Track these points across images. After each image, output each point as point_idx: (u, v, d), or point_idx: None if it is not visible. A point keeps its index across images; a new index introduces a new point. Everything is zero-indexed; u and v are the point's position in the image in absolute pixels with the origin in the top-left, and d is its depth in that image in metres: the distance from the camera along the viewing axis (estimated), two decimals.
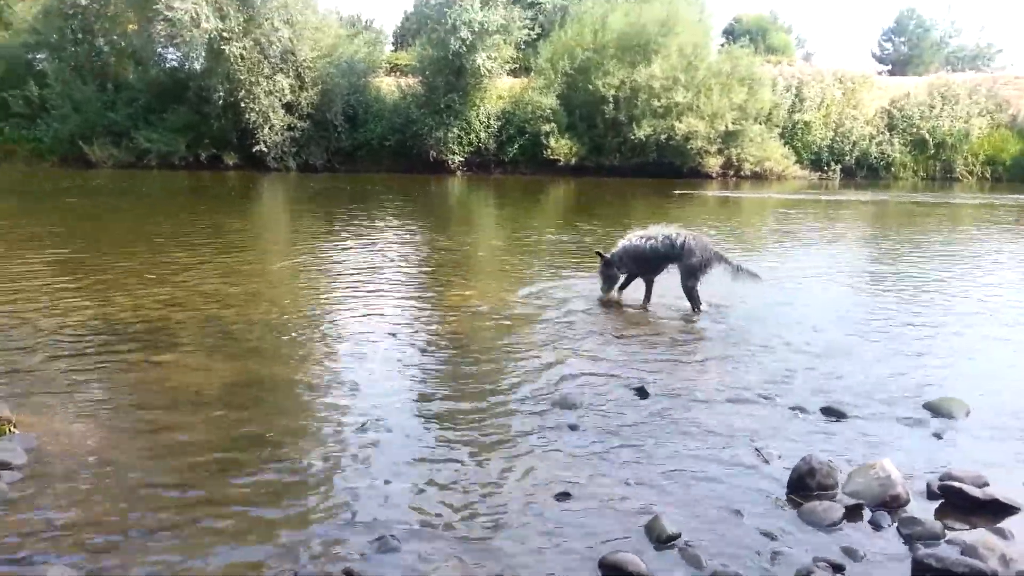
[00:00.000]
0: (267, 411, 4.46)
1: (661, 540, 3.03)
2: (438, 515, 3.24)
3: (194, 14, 26.09)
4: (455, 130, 30.41)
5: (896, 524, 3.21)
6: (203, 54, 28.86)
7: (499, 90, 32.04)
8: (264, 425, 4.20)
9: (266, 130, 28.90)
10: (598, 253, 7.67)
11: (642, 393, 4.81)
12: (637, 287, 7.58)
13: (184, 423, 4.18)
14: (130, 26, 31.11)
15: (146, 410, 4.36)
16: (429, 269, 9.50)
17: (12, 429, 3.93)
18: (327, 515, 3.23)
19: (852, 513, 3.29)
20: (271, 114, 28.76)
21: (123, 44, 31.91)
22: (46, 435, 3.93)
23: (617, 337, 6.25)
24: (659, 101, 29.74)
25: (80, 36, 31.50)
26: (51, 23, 31.26)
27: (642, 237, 7.35)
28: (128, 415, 4.29)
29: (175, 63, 31.54)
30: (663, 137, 29.86)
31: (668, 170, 30.24)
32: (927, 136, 33.34)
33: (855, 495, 3.43)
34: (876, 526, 3.21)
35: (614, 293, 7.62)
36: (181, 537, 3.01)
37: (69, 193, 19.17)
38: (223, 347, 5.67)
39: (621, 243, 7.47)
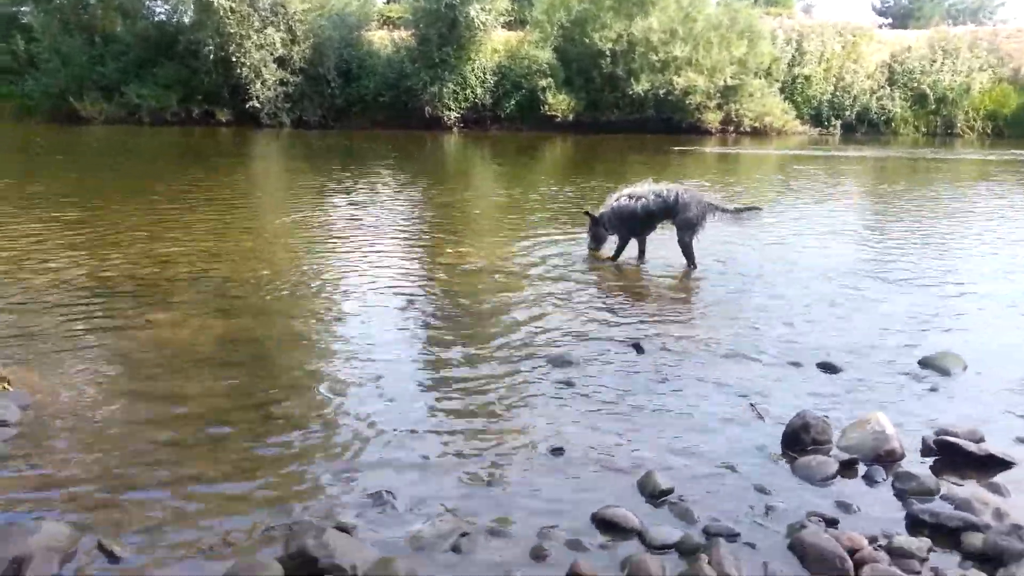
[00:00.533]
0: (262, 369, 4.44)
1: (654, 495, 3.04)
2: (430, 470, 3.24)
3: None
4: (450, 85, 30.01)
5: (891, 479, 3.22)
6: (191, 6, 28.33)
7: (494, 43, 31.53)
8: (259, 382, 4.19)
9: (258, 85, 28.52)
10: (587, 213, 7.57)
11: (638, 349, 4.80)
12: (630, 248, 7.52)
13: (179, 381, 4.16)
14: None
15: (141, 368, 4.34)
16: (425, 226, 9.43)
17: (6, 386, 3.91)
18: (319, 471, 3.23)
19: (846, 468, 3.30)
20: (263, 69, 28.36)
21: None
22: (40, 392, 3.92)
23: (613, 294, 6.23)
24: (657, 55, 29.34)
25: None
26: None
27: (631, 197, 7.17)
28: (123, 372, 4.27)
29: (163, 16, 30.97)
30: (661, 92, 29.55)
31: (667, 126, 29.99)
32: (928, 91, 33.03)
33: (849, 450, 3.43)
34: (870, 481, 3.22)
35: (605, 253, 7.51)
36: (175, 493, 3.00)
37: (59, 150, 18.93)
38: (218, 305, 5.64)
39: (609, 203, 7.31)
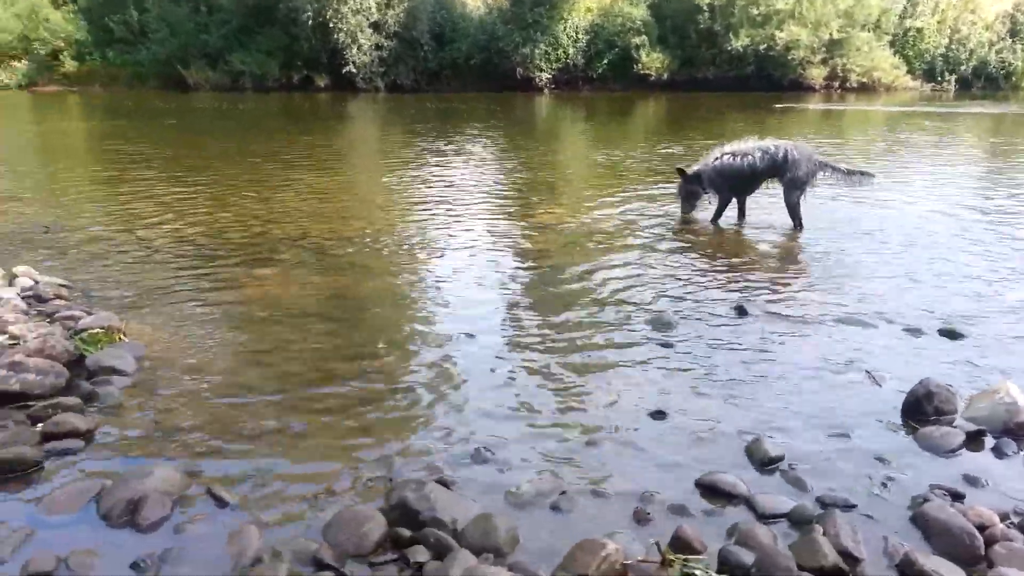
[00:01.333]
0: (363, 325, 4.50)
1: (763, 462, 2.90)
2: (530, 429, 3.20)
3: None
4: (542, 46, 29.70)
5: (1023, 453, 2.98)
6: None
7: (587, 2, 30.91)
8: (360, 338, 4.24)
9: (354, 50, 28.97)
10: (679, 169, 7.18)
11: (740, 311, 4.61)
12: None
13: (284, 335, 4.26)
14: None
15: (247, 322, 4.47)
16: (518, 188, 9.36)
17: (122, 337, 4.09)
18: (421, 426, 3.23)
19: (973, 440, 3.07)
20: (359, 34, 28.75)
21: None
22: (153, 344, 4.08)
23: (712, 256, 6.01)
24: (758, 8, 28.17)
25: None
26: None
27: (735, 154, 6.79)
28: (231, 326, 4.40)
29: None
30: (762, 47, 28.41)
31: (767, 83, 28.85)
32: None
33: (976, 421, 3.20)
34: (1000, 454, 2.99)
35: (696, 214, 7.17)
36: (279, 442, 3.07)
37: (169, 115, 19.74)
38: (319, 262, 5.75)
39: (710, 161, 6.89)
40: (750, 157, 6.74)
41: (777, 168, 6.67)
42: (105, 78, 32.35)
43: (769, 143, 6.79)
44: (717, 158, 6.88)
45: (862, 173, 6.81)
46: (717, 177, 6.88)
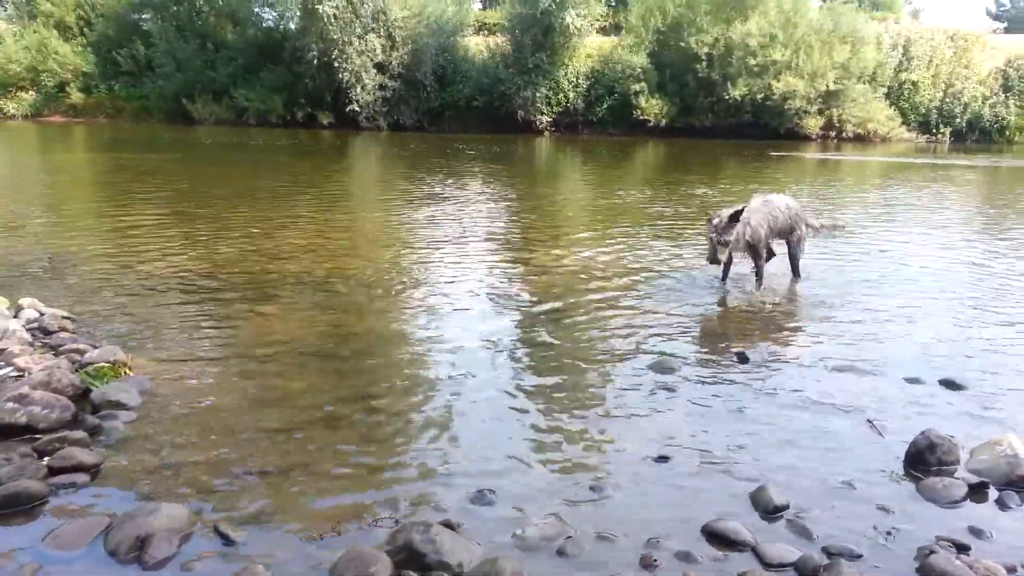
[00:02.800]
0: (365, 364, 4.51)
1: (768, 510, 2.91)
2: (535, 473, 3.21)
3: None
4: (543, 90, 30.16)
5: None
6: (297, 13, 29.40)
7: (588, 49, 31.52)
8: (362, 377, 4.26)
9: (358, 89, 29.35)
10: (734, 215, 5.82)
11: (742, 358, 4.64)
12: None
13: (287, 372, 4.27)
14: None
15: (251, 358, 4.48)
16: (518, 227, 9.44)
17: (127, 371, 4.10)
18: (426, 467, 3.24)
19: (976, 492, 3.09)
20: (363, 73, 29.18)
21: (221, 3, 32.81)
22: (158, 378, 4.09)
23: (712, 301, 6.06)
24: (755, 59, 28.68)
25: None
26: None
27: (768, 204, 6.23)
28: (234, 362, 4.41)
29: (271, 23, 32.31)
30: (759, 97, 28.86)
31: (764, 131, 29.26)
32: None
33: (979, 473, 3.22)
34: (1003, 506, 3.00)
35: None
36: (284, 481, 3.07)
37: (174, 149, 19.91)
38: (322, 300, 5.78)
39: (754, 214, 6.05)
40: (780, 213, 6.32)
41: (791, 226, 6.45)
42: (111, 110, 32.68)
43: (786, 200, 6.47)
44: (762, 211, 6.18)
45: (835, 226, 7.27)
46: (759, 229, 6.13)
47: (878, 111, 30.79)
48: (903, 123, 31.75)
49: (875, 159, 22.74)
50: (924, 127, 32.24)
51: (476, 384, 4.18)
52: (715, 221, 5.80)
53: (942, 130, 31.95)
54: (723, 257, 5.94)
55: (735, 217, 5.78)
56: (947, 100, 32.15)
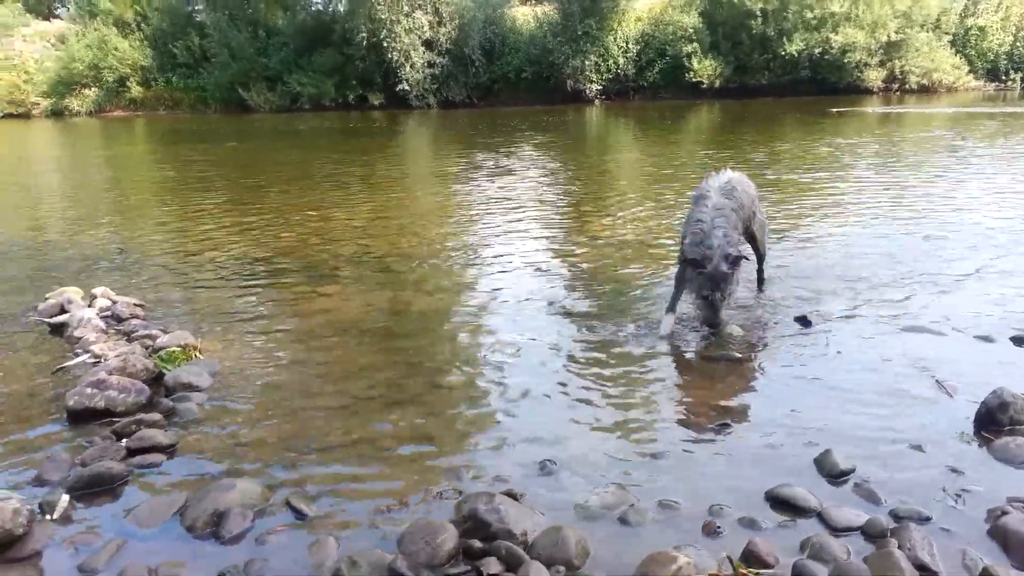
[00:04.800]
0: (425, 339, 4.58)
1: (833, 475, 2.87)
2: (595, 443, 3.22)
3: None
4: (592, 57, 29.77)
5: None
6: None
7: (637, 12, 30.90)
8: (422, 353, 4.33)
9: (408, 68, 29.47)
10: (735, 259, 4.36)
11: (804, 322, 4.55)
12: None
13: (349, 350, 4.37)
14: None
15: (314, 338, 4.59)
16: (571, 199, 9.40)
17: (198, 355, 4.25)
18: (487, 439, 3.29)
19: None
20: (412, 52, 29.26)
21: None
22: (227, 360, 4.23)
23: (772, 265, 5.94)
24: (812, 12, 27.74)
25: None
26: None
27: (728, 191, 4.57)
28: (298, 342, 4.53)
29: (320, 6, 32.60)
30: (817, 51, 27.95)
31: (823, 87, 28.36)
32: None
33: None
34: None
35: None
36: (351, 455, 3.16)
37: (231, 137, 20.36)
38: (379, 279, 5.87)
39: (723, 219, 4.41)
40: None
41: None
42: (169, 102, 33.55)
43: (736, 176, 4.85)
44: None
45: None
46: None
47: (943, 60, 29.50)
48: (970, 71, 30.34)
49: (940, 110, 21.82)
50: (992, 74, 30.78)
51: (534, 356, 4.20)
52: (708, 269, 4.13)
53: (1012, 76, 30.44)
54: (726, 316, 4.37)
55: (736, 262, 4.24)
56: (1018, 44, 30.58)
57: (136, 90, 33.73)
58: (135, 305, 5.18)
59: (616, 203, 8.94)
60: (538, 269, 6.03)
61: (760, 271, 5.36)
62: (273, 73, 31.56)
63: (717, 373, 3.90)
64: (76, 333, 4.56)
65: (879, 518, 2.56)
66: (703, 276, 4.17)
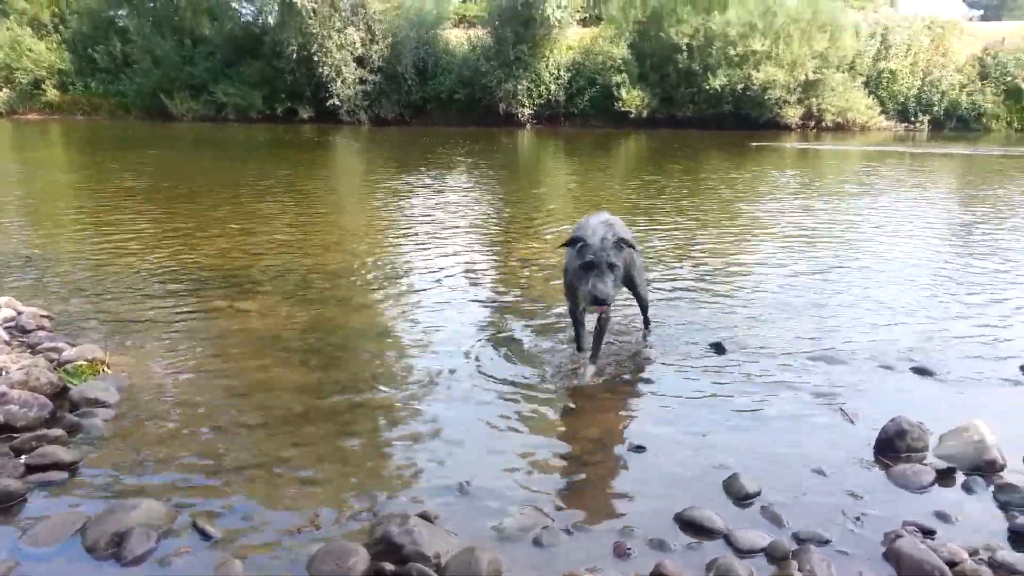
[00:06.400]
0: (344, 359, 4.53)
1: (740, 497, 2.96)
2: (512, 464, 3.24)
3: None
4: (524, 82, 30.18)
5: (992, 490, 3.06)
6: (276, 8, 29.25)
7: (569, 40, 31.51)
8: (341, 373, 4.28)
9: (339, 83, 29.25)
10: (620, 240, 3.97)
11: (718, 349, 4.70)
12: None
13: (267, 367, 4.28)
14: None
15: (230, 354, 4.49)
16: (499, 221, 9.46)
17: (105, 369, 4.10)
18: (403, 460, 3.27)
19: (944, 477, 3.15)
20: (343, 68, 29.08)
21: None
22: (136, 375, 4.09)
23: (689, 291, 6.12)
24: (735, 49, 28.83)
25: None
26: None
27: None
28: (213, 358, 4.42)
29: (249, 17, 32.13)
30: (739, 87, 29.01)
31: (744, 121, 29.41)
32: (1023, 85, 31.40)
33: (947, 458, 3.28)
34: (969, 491, 3.07)
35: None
36: (262, 476, 3.09)
37: (152, 145, 19.74)
38: (302, 295, 5.78)
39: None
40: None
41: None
42: (87, 107, 32.37)
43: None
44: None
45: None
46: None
47: (857, 100, 31.03)
48: (882, 112, 32.01)
49: (853, 148, 22.92)
50: (903, 115, 32.52)
51: (454, 377, 4.21)
52: (596, 239, 3.85)
53: (920, 118, 32.24)
54: (615, 293, 3.94)
55: (626, 243, 3.99)
56: (925, 88, 32.42)
57: (52, 93, 32.43)
58: (41, 316, 4.96)
59: (544, 226, 9.05)
60: (464, 292, 6.05)
61: (645, 317, 5.07)
62: (198, 82, 30.84)
63: (631, 396, 3.99)
64: None
65: (782, 540, 2.65)
66: (586, 247, 3.82)
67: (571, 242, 4.02)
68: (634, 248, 4.23)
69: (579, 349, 4.38)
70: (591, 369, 4.27)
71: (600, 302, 3.77)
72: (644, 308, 5.04)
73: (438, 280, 6.34)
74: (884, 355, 4.60)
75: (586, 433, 3.56)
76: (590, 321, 4.37)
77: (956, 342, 4.88)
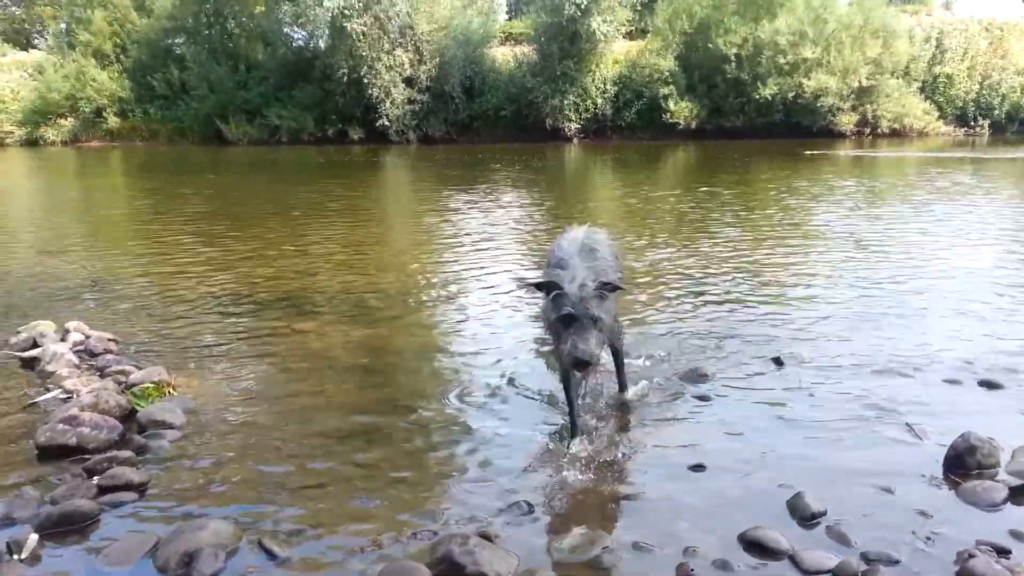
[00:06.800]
0: (402, 376, 4.58)
1: (805, 517, 2.90)
2: (571, 483, 3.23)
3: None
4: (571, 97, 30.23)
5: None
6: (327, 32, 29.90)
7: (615, 54, 31.54)
8: (399, 391, 4.33)
9: (388, 104, 29.72)
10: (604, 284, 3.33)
11: (778, 362, 4.62)
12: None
13: (325, 388, 4.35)
14: (258, 8, 32.58)
15: (290, 375, 4.58)
16: (548, 238, 9.47)
17: (171, 391, 4.22)
18: (463, 478, 3.28)
19: (1017, 494, 3.04)
20: (392, 88, 29.54)
21: (252, 25, 33.52)
22: (201, 397, 4.20)
23: (747, 304, 6.03)
24: (785, 58, 28.43)
25: (213, 19, 33.32)
26: (187, 8, 33.21)
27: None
28: (274, 379, 4.51)
29: (300, 42, 32.92)
30: (790, 95, 28.60)
31: (796, 130, 28.97)
32: None
33: (1020, 474, 3.16)
34: None
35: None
36: (325, 495, 3.14)
37: (209, 169, 20.31)
38: (357, 315, 5.87)
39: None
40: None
41: None
42: (146, 133, 33.50)
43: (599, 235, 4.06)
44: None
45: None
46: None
47: (913, 106, 30.30)
48: (940, 116, 31.19)
49: (911, 154, 22.36)
50: (961, 120, 31.64)
51: (511, 394, 4.22)
52: (574, 287, 3.17)
53: (980, 122, 31.32)
54: (600, 351, 3.27)
55: (611, 288, 3.30)
56: (984, 92, 31.52)
57: (113, 121, 33.68)
58: (109, 340, 5.13)
59: None
60: (517, 309, 6.06)
61: (621, 378, 4.14)
62: (252, 106, 31.69)
63: (691, 414, 3.94)
64: (48, 368, 4.51)
65: (850, 561, 2.59)
66: (562, 298, 3.15)
67: (544, 287, 3.29)
68: (619, 288, 3.39)
69: (571, 433, 3.58)
70: (578, 442, 3.53)
71: (583, 364, 3.13)
72: (619, 366, 4.10)
73: (490, 298, 6.38)
74: (951, 368, 4.47)
75: (644, 451, 3.53)
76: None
77: (1021, 353, 4.71)
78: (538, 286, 3.36)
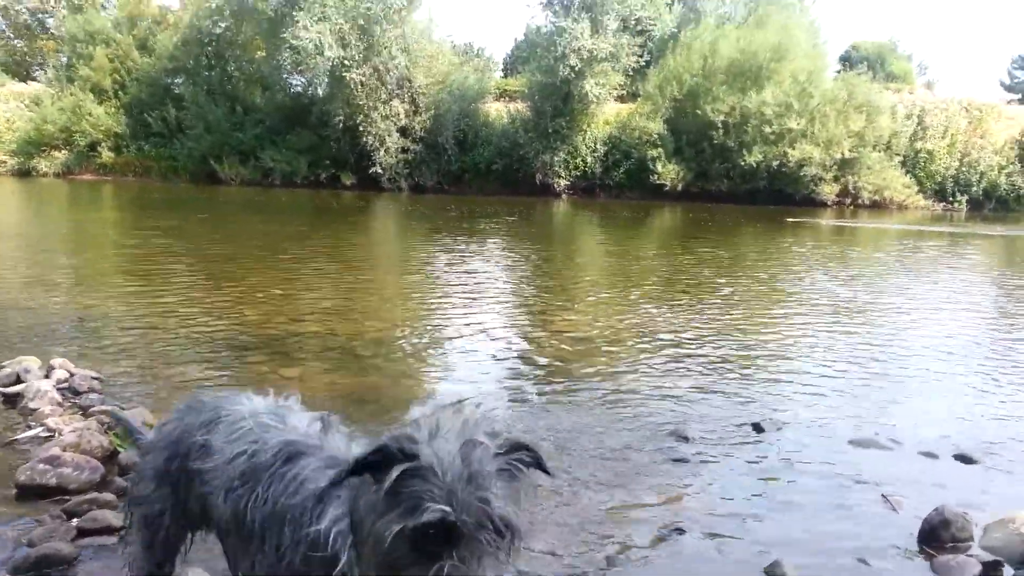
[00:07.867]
0: (384, 430, 4.59)
1: None
2: (548, 545, 3.25)
3: (318, 43, 27.56)
4: (561, 154, 30.78)
5: None
6: (325, 80, 30.40)
7: (606, 115, 32.23)
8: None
9: (381, 152, 30.11)
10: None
11: (757, 428, 4.68)
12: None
13: None
14: (258, 52, 33.14)
15: None
16: (535, 291, 9.58)
17: None
18: None
19: (991, 570, 3.09)
20: (387, 137, 29.96)
21: (252, 69, 34.05)
22: None
23: (730, 370, 6.12)
24: (771, 127, 29.16)
25: (214, 62, 33.83)
26: (189, 50, 33.72)
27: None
28: None
29: (299, 88, 33.42)
30: (775, 164, 29.24)
31: (779, 197, 29.54)
32: None
33: (992, 550, 3.23)
34: None
35: None
36: None
37: (201, 209, 20.39)
38: (344, 362, 5.90)
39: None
40: None
41: None
42: (139, 169, 33.65)
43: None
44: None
45: None
46: None
47: (894, 179, 31.08)
48: (919, 191, 31.96)
49: (891, 226, 22.84)
50: (940, 195, 32.44)
51: None
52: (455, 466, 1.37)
53: (958, 198, 32.11)
54: None
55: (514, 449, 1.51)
56: (963, 169, 32.40)
57: (107, 155, 33.84)
58: (93, 378, 5.11)
59: (581, 297, 9.14)
60: (502, 363, 6.12)
61: None
62: (247, 147, 31.98)
63: (672, 476, 3.98)
64: (31, 405, 4.49)
65: None
66: (428, 485, 1.37)
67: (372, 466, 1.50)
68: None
69: None
70: None
71: None
72: None
73: (475, 351, 6.42)
74: (926, 440, 4.55)
75: (624, 515, 3.56)
76: None
77: (999, 428, 4.81)
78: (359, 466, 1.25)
